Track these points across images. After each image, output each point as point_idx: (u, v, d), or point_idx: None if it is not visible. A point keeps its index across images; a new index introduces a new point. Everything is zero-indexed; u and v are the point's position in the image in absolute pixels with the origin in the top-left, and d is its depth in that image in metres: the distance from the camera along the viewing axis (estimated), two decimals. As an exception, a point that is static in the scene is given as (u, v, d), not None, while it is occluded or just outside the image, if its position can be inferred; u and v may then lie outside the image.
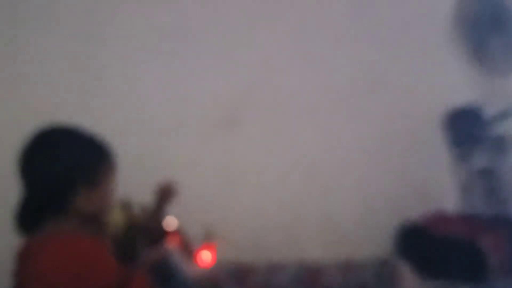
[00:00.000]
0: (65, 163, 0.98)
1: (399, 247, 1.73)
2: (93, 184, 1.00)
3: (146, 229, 1.15)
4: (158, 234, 1.18)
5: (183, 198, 1.36)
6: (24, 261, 0.94)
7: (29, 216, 0.97)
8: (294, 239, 1.69)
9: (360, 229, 1.78)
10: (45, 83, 1.65)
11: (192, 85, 1.75)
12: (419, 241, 1.64)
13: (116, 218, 1.15)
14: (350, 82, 1.87)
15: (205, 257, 1.32)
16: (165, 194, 1.20)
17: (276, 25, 1.82)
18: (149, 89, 1.71)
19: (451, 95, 1.87)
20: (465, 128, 1.77)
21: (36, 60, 1.66)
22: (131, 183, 1.14)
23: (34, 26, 1.67)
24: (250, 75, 1.79)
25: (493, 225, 1.55)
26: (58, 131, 1.02)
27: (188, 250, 1.23)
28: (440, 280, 1.48)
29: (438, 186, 1.86)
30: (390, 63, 1.90)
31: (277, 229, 1.73)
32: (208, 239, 1.38)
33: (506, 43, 1.71)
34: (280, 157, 1.78)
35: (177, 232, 1.20)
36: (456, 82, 1.91)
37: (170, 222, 1.19)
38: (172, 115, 1.71)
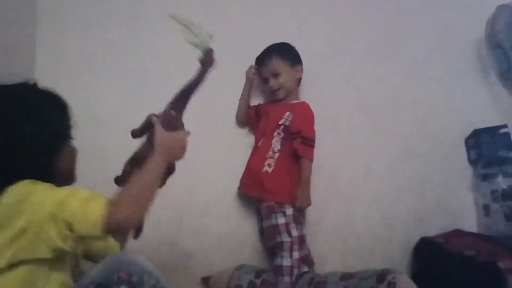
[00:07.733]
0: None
1: (416, 261, 1.73)
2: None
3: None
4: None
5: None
6: None
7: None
8: (314, 248, 1.64)
9: (379, 242, 1.76)
10: (90, 84, 1.75)
11: (221, 93, 1.78)
12: (437, 257, 1.62)
13: None
14: (377, 99, 1.88)
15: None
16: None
17: (310, 45, 1.87)
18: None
19: (475, 116, 1.87)
20: (489, 148, 1.76)
21: (83, 61, 1.76)
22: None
23: (81, 30, 1.79)
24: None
25: (512, 248, 1.51)
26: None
27: None
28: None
29: (459, 205, 1.83)
30: (416, 82, 1.91)
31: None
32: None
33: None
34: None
35: None
36: (482, 103, 1.91)
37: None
38: (203, 119, 1.72)
